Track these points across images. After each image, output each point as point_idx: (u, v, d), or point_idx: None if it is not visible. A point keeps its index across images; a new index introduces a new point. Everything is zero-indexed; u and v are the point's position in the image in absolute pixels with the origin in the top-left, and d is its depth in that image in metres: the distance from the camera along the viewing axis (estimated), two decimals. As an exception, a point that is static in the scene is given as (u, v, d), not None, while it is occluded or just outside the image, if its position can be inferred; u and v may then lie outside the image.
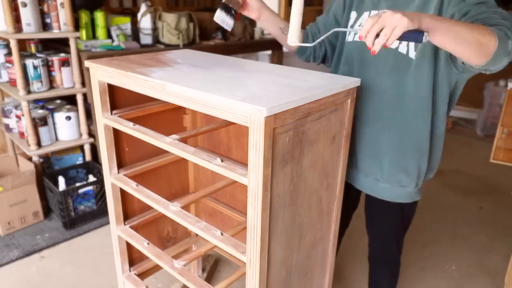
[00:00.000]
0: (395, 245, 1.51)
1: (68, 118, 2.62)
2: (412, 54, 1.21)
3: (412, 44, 1.20)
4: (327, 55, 1.47)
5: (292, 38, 1.14)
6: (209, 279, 2.08)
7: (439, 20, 0.97)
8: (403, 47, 1.22)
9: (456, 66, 1.17)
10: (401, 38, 0.95)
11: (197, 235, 1.87)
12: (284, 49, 3.85)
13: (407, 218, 1.49)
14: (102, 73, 1.28)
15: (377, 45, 0.95)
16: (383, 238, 1.52)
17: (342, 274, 2.16)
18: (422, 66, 1.20)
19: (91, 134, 2.73)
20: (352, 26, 1.34)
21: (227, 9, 1.21)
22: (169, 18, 2.83)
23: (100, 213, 2.59)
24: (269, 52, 3.86)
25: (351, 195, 1.48)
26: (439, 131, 1.32)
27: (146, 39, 2.82)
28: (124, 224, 1.54)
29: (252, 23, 3.54)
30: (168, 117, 1.57)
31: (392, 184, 1.35)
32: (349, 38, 1.35)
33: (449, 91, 1.26)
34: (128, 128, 1.26)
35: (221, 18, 1.21)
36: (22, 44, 2.69)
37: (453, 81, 1.25)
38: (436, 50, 1.18)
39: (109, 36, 2.71)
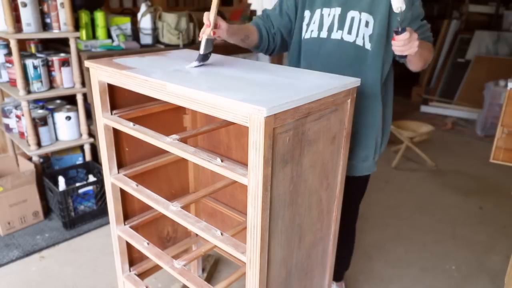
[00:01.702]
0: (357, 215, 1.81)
1: (68, 118, 2.62)
2: (368, 46, 1.40)
3: (367, 36, 1.40)
4: (276, 48, 1.59)
5: None
6: (209, 279, 2.08)
7: (419, 46, 1.22)
8: (360, 40, 1.41)
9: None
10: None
11: (197, 235, 1.87)
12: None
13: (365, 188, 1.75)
14: (102, 73, 1.28)
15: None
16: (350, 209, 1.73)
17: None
18: (377, 55, 1.40)
19: (91, 134, 2.73)
20: (307, 24, 1.49)
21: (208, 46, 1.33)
22: (169, 18, 2.83)
23: (100, 213, 2.59)
24: (269, 52, 3.85)
25: None
26: (388, 109, 1.58)
27: (146, 39, 2.82)
28: (124, 224, 1.54)
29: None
30: (168, 117, 1.57)
31: (357, 161, 1.57)
32: (307, 35, 1.49)
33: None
34: (128, 128, 1.26)
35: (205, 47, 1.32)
36: (22, 44, 2.69)
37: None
38: (386, 41, 1.39)
39: (109, 36, 2.71)
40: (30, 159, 2.64)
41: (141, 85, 1.15)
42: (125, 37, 2.74)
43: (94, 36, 2.68)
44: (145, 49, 2.73)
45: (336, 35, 1.43)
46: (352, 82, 1.15)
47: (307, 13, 1.49)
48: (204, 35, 1.26)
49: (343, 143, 1.23)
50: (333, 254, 1.40)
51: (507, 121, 2.07)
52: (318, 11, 1.46)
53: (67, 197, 2.43)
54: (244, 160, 1.53)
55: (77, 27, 2.56)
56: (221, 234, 1.14)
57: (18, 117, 2.62)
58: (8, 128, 2.81)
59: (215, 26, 1.29)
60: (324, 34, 1.45)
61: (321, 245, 1.32)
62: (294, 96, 0.96)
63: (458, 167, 3.54)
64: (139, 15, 2.83)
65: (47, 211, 2.63)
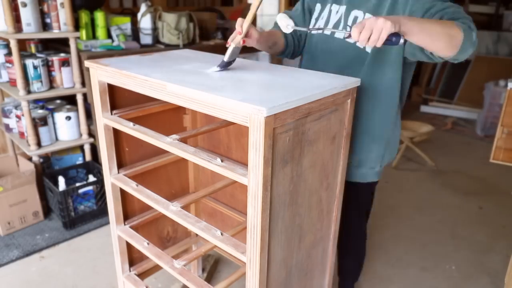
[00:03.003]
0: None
1: (68, 118, 2.62)
2: (368, 49, 1.34)
3: None
4: (301, 51, 1.58)
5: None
6: (209, 279, 2.08)
7: (414, 21, 1.08)
8: None
9: (425, 53, 1.22)
10: (388, 42, 1.05)
11: (197, 235, 1.87)
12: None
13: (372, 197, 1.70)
14: (102, 73, 1.28)
15: (369, 47, 1.11)
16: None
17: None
18: (375, 59, 1.33)
19: (91, 134, 2.73)
20: (316, 19, 1.48)
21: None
22: (169, 18, 2.83)
23: (100, 213, 2.59)
24: (269, 52, 3.85)
25: None
26: (397, 119, 1.48)
27: (146, 39, 2.82)
28: (124, 224, 1.54)
29: (252, 23, 3.53)
30: (168, 117, 1.57)
31: (363, 167, 1.50)
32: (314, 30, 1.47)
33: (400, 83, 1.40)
34: (128, 128, 1.26)
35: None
36: (22, 44, 2.69)
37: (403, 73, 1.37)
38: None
39: (109, 36, 2.71)
40: (30, 159, 2.64)
41: (141, 85, 1.15)
42: (125, 37, 2.74)
43: (94, 36, 2.68)
44: (145, 49, 2.73)
45: (339, 34, 1.40)
46: (352, 82, 1.15)
47: (318, 7, 1.49)
48: (233, 43, 1.22)
49: (343, 143, 1.23)
50: (333, 254, 1.40)
51: (507, 121, 2.07)
52: (328, 7, 1.45)
53: (67, 197, 2.43)
54: (244, 160, 1.53)
55: (77, 27, 2.56)
56: (221, 234, 1.14)
57: (18, 117, 2.62)
58: (8, 128, 2.81)
59: (246, 35, 1.25)
60: (328, 32, 1.43)
61: (321, 245, 1.32)
62: (294, 96, 0.96)
63: (458, 167, 3.54)
64: (139, 15, 2.83)
65: (47, 211, 2.63)
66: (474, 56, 5.11)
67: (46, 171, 2.69)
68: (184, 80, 1.09)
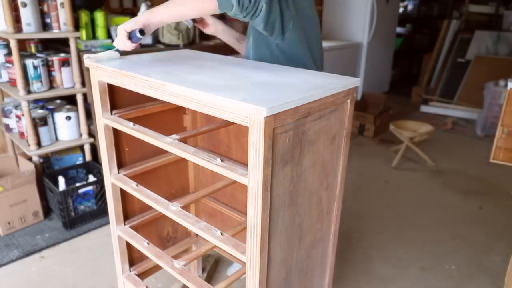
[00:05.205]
0: None
1: (68, 118, 2.62)
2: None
3: None
4: None
5: None
6: (209, 279, 2.08)
7: (151, 12, 1.24)
8: None
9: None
10: (133, 39, 1.27)
11: (197, 235, 1.87)
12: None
13: None
14: (102, 73, 1.28)
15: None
16: None
17: (342, 274, 2.16)
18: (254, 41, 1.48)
19: (91, 134, 2.73)
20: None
21: None
22: (169, 18, 2.83)
23: (100, 213, 2.59)
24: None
25: None
26: None
27: (146, 39, 2.82)
28: (124, 224, 1.54)
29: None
30: (168, 117, 1.57)
31: None
32: None
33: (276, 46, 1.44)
34: (128, 128, 1.26)
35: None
36: (22, 44, 2.69)
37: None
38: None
39: (109, 36, 2.71)
40: (30, 159, 2.64)
41: (141, 85, 1.15)
42: (125, 37, 2.73)
43: (94, 36, 2.68)
44: (145, 49, 2.73)
45: None
46: (352, 82, 1.15)
47: None
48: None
49: (343, 143, 1.23)
50: (333, 254, 1.40)
51: (507, 121, 2.07)
52: None
53: (67, 197, 2.43)
54: (244, 160, 1.53)
55: (77, 27, 2.56)
56: (221, 234, 1.14)
57: (18, 117, 2.62)
58: (8, 128, 2.81)
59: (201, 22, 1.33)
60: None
61: (321, 245, 1.32)
62: (294, 96, 0.96)
63: (458, 167, 3.54)
64: (139, 15, 2.83)
65: (47, 211, 2.63)
66: (474, 56, 5.11)
67: (46, 171, 2.69)
68: (184, 80, 1.09)
